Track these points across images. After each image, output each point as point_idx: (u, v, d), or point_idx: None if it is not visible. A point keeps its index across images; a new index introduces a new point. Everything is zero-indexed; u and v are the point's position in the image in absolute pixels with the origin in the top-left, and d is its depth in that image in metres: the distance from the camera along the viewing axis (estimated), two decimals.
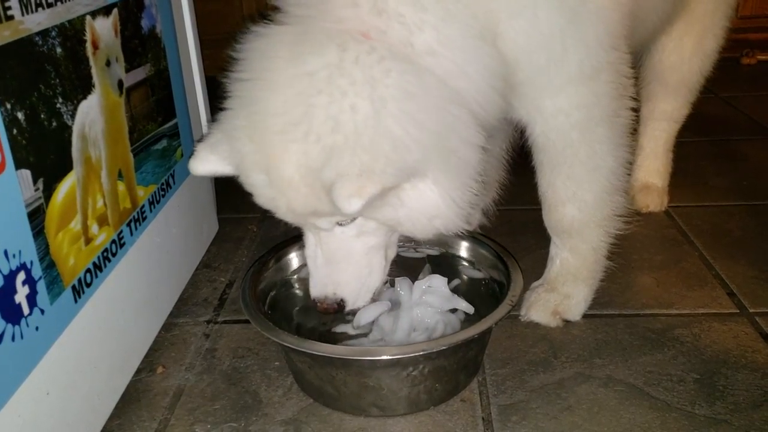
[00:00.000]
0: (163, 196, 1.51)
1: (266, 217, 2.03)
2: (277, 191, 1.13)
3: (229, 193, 2.15)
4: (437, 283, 1.43)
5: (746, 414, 1.22)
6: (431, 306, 1.40)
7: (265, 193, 1.16)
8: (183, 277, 1.68)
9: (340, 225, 1.22)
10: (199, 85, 1.80)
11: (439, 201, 1.15)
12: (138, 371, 1.40)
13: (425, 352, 1.17)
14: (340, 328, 1.44)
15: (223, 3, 3.57)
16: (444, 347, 1.18)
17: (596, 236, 1.46)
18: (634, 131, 1.50)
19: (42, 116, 1.06)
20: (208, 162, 1.21)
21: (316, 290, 1.29)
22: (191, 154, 1.23)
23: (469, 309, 1.40)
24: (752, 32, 3.56)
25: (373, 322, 1.41)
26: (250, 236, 1.95)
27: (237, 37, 1.20)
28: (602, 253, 1.49)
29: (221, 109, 1.21)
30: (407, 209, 1.16)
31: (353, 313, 1.36)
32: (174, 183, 1.58)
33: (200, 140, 1.24)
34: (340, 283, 1.27)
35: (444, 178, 1.14)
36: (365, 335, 1.40)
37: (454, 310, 1.42)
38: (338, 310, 1.29)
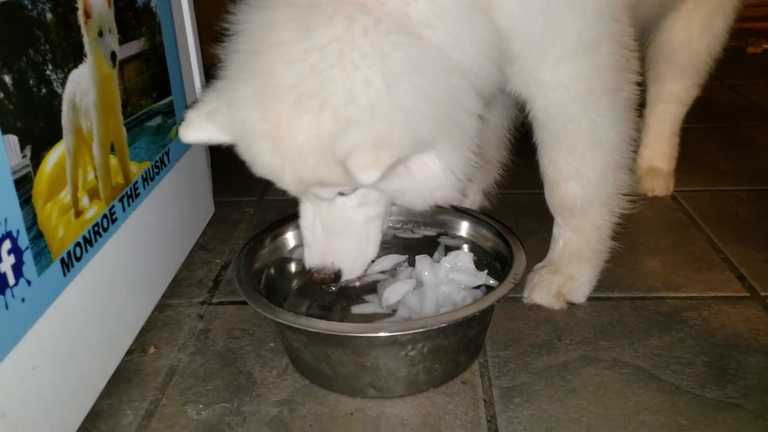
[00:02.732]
0: (158, 173, 1.48)
1: (263, 200, 2.00)
2: (284, 160, 1.11)
3: (225, 176, 2.12)
4: (463, 259, 1.40)
5: (759, 398, 1.18)
6: (458, 283, 1.37)
7: (269, 162, 1.14)
8: (177, 258, 1.64)
9: (342, 195, 1.21)
10: (196, 64, 1.75)
11: (440, 173, 1.15)
12: (130, 351, 1.36)
13: (424, 330, 1.13)
14: (360, 309, 1.40)
15: None
16: (444, 325, 1.14)
17: (600, 215, 1.42)
18: (640, 115, 1.47)
19: (31, 82, 1.02)
20: (202, 130, 1.18)
21: (314, 260, 1.27)
22: (181, 120, 1.20)
23: (495, 284, 1.36)
24: (758, 21, 3.52)
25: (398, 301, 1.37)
26: (246, 219, 1.92)
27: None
28: (606, 233, 1.45)
29: (215, 77, 1.19)
30: (413, 180, 1.15)
31: (368, 289, 1.40)
32: (169, 161, 1.54)
33: (190, 107, 1.21)
34: (339, 253, 1.26)
35: (447, 149, 1.14)
36: (390, 315, 1.36)
37: (478, 286, 1.38)
38: (334, 281, 1.27)
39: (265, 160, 1.14)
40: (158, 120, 1.49)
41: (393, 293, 1.36)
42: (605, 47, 1.26)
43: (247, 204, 2.00)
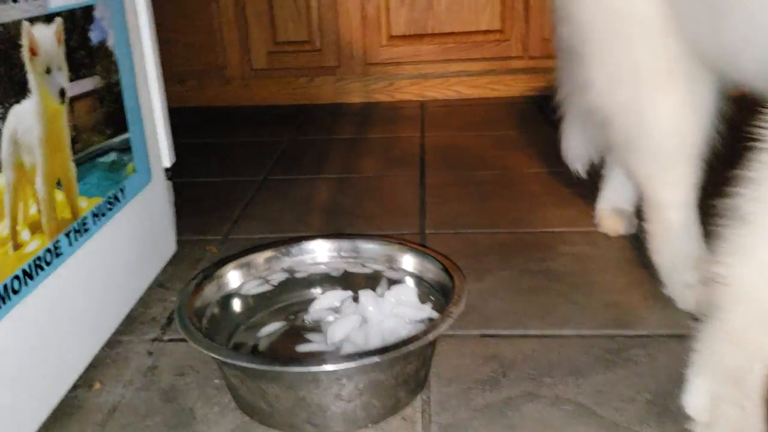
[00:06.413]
0: (110, 209, 1.48)
1: (227, 239, 2.01)
2: None
3: (190, 214, 2.14)
4: (407, 292, 1.40)
5: None
6: (403, 317, 1.37)
7: None
8: (132, 295, 1.64)
9: None
10: (158, 103, 1.77)
11: None
12: (74, 387, 1.36)
13: (357, 364, 1.13)
14: (306, 347, 1.39)
15: (204, 35, 3.58)
16: (377, 360, 1.14)
17: None
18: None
19: None
20: None
21: None
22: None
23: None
24: None
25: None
26: (208, 257, 1.92)
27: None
28: None
29: None
30: None
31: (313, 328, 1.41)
32: (123, 198, 1.55)
33: None
34: None
35: None
36: (335, 353, 1.36)
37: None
38: None
39: None
40: (112, 156, 1.50)
41: (338, 330, 1.35)
42: None
43: (210, 242, 2.00)
